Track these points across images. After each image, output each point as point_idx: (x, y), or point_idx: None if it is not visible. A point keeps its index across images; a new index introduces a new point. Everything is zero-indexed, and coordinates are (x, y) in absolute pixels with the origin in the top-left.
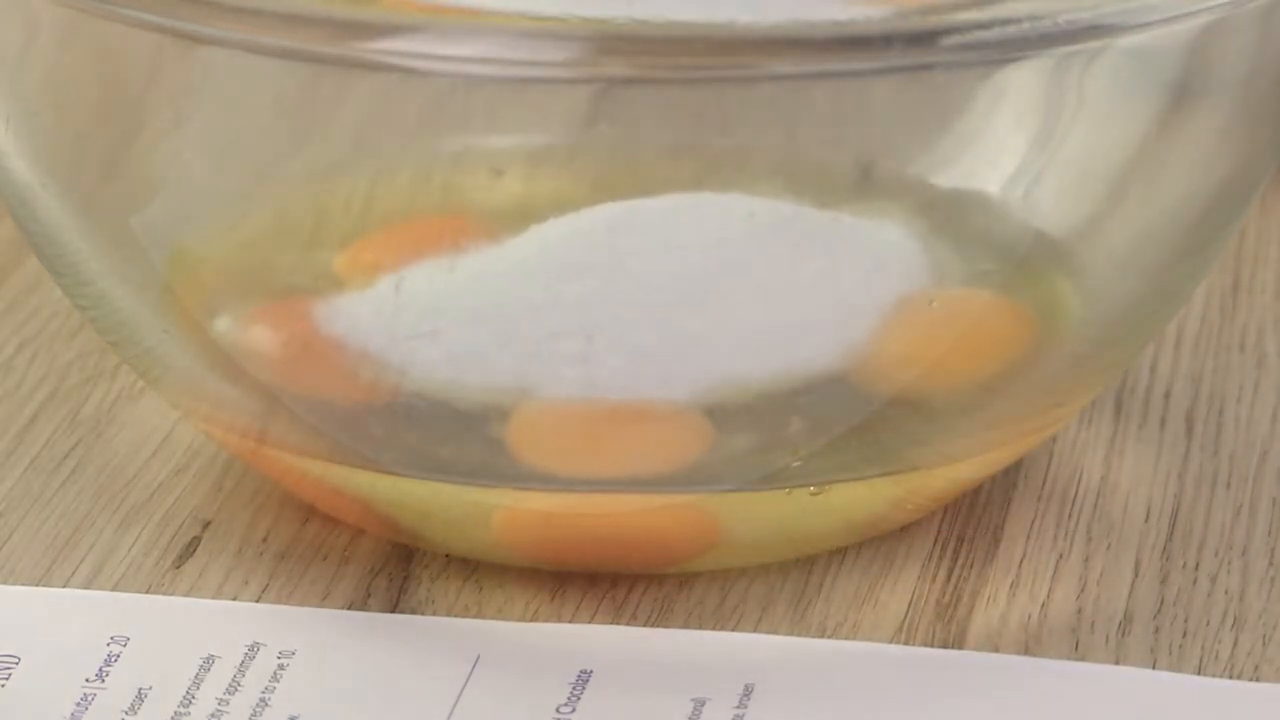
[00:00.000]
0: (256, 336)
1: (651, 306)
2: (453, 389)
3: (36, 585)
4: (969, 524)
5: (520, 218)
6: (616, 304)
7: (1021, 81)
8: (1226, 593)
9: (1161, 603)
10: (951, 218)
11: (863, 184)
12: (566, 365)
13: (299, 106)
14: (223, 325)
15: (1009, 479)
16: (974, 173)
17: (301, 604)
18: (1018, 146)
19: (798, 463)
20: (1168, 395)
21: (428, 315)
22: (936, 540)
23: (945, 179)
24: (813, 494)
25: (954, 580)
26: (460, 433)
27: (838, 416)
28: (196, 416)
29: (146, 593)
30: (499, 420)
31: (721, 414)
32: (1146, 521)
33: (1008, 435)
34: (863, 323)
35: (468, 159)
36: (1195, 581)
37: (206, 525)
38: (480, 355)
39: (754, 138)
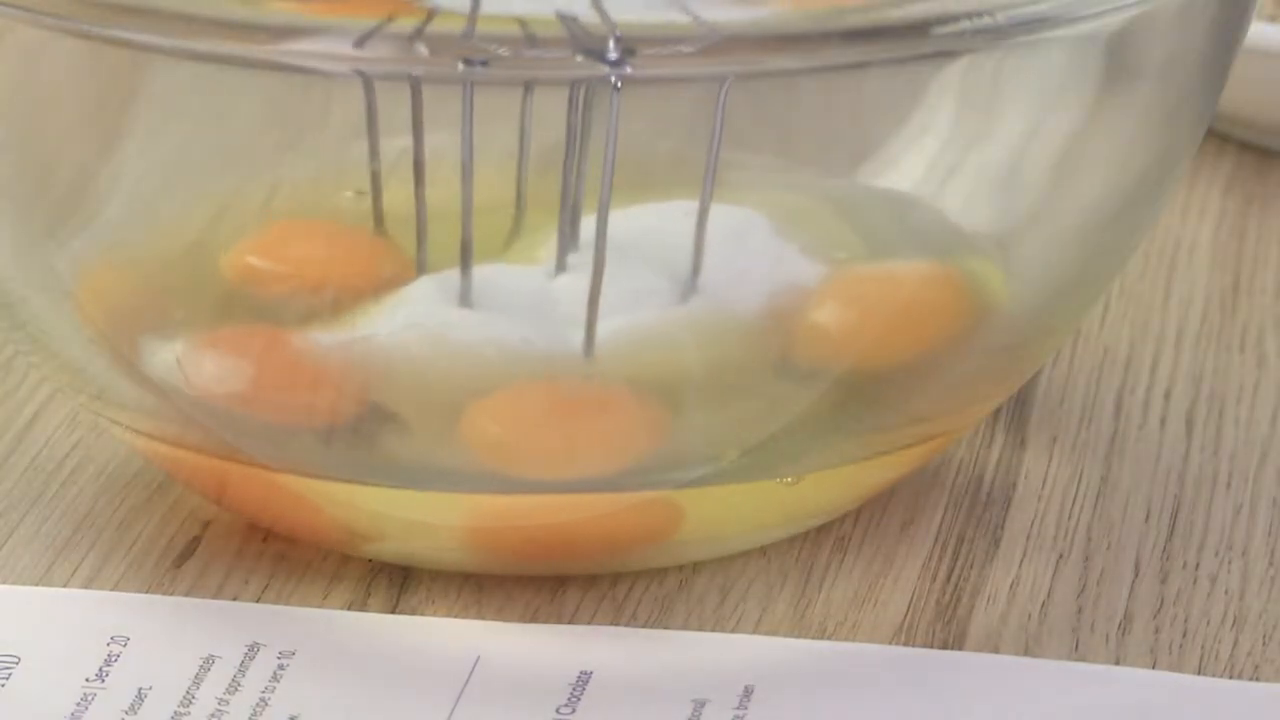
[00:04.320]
0: (201, 363)
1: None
2: (408, 395)
3: (36, 585)
4: (969, 524)
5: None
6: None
7: (940, 79)
8: (1226, 593)
9: (1161, 603)
10: (877, 212)
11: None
12: (519, 362)
13: (210, 122)
14: (161, 349)
15: (1009, 478)
16: (896, 168)
17: (301, 604)
18: (936, 143)
19: (761, 452)
20: (1168, 395)
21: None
22: (936, 540)
23: (868, 175)
24: (788, 484)
25: (954, 580)
26: (421, 437)
27: (789, 400)
28: (119, 426)
29: (146, 593)
30: (456, 423)
31: (680, 404)
32: (1146, 521)
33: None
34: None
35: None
36: (1195, 581)
37: (206, 525)
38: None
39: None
